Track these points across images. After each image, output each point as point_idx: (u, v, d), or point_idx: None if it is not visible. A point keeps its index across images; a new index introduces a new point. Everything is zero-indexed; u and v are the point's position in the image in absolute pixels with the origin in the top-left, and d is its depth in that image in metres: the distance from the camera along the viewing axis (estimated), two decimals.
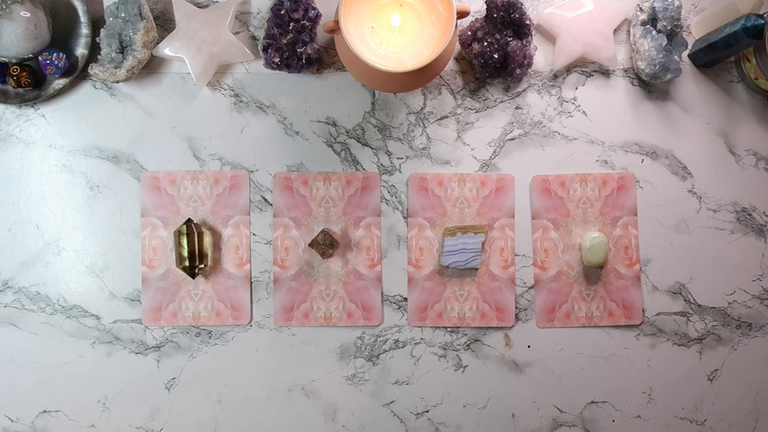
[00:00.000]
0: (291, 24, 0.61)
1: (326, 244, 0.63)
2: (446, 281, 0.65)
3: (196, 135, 0.65)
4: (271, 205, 0.65)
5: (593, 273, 0.65)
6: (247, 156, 0.65)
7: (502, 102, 0.66)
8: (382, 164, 0.65)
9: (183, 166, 0.65)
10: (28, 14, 0.60)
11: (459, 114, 0.65)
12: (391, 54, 0.55)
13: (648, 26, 0.63)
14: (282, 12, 0.61)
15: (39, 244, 0.65)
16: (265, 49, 0.62)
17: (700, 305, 0.65)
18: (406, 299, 0.65)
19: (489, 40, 0.62)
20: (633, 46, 0.64)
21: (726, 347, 0.65)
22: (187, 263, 0.61)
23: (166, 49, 0.62)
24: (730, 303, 0.65)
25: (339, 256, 0.65)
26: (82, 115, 0.65)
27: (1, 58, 0.61)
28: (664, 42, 0.62)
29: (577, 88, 0.66)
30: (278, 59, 0.62)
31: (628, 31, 0.66)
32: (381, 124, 0.65)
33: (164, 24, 0.65)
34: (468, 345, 0.65)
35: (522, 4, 0.62)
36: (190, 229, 0.62)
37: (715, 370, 0.65)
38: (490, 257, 0.65)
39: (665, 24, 0.62)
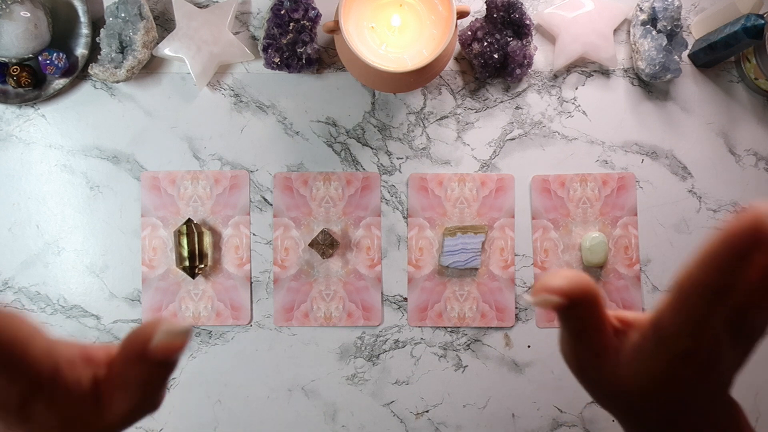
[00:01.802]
0: (291, 24, 0.61)
1: (326, 244, 0.63)
2: (446, 281, 0.65)
3: (196, 135, 0.65)
4: (271, 205, 0.65)
5: (593, 273, 0.65)
6: (247, 156, 0.65)
7: (502, 102, 0.66)
8: (382, 164, 0.65)
9: (183, 166, 0.65)
10: (28, 14, 0.60)
11: (459, 114, 0.65)
12: (391, 54, 0.55)
13: (648, 26, 0.63)
14: (282, 12, 0.61)
15: (39, 244, 0.65)
16: (265, 49, 0.62)
17: None
18: (406, 299, 0.65)
19: (489, 40, 0.62)
20: (633, 46, 0.64)
21: None
22: (187, 263, 0.61)
23: (166, 49, 0.62)
24: None
25: (339, 256, 0.65)
26: (82, 115, 0.65)
27: (1, 58, 0.61)
28: (664, 42, 0.62)
29: (577, 88, 0.66)
30: (278, 59, 0.62)
31: (628, 31, 0.66)
32: (381, 124, 0.65)
33: (164, 24, 0.65)
34: (468, 345, 0.65)
35: (522, 4, 0.62)
36: (190, 229, 0.62)
37: None
38: (490, 257, 0.65)
39: (665, 24, 0.62)
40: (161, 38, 0.64)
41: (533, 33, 0.65)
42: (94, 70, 0.62)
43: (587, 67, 0.66)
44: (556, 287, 0.32)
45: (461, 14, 0.54)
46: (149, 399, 0.31)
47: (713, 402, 0.34)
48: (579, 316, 0.34)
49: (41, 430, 0.29)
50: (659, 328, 0.32)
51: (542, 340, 0.65)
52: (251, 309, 0.65)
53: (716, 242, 0.28)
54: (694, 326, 0.31)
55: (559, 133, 0.65)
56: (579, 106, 0.66)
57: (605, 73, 0.66)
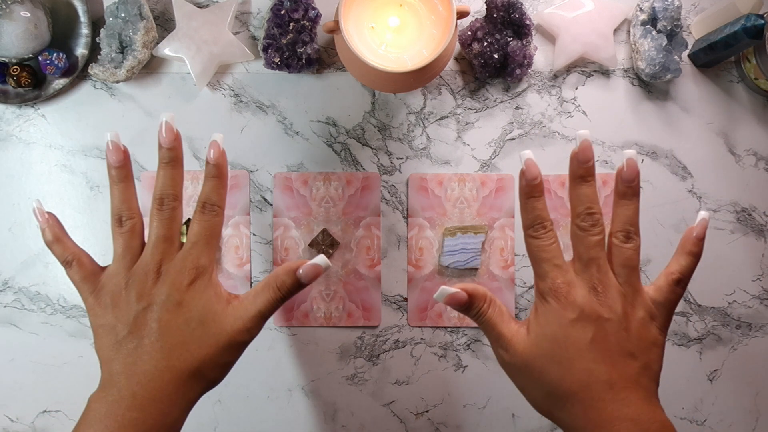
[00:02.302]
0: (291, 24, 0.61)
1: (326, 244, 0.63)
2: (446, 281, 0.65)
3: (196, 135, 0.65)
4: (271, 205, 0.65)
5: None
6: (247, 156, 0.65)
7: (502, 102, 0.66)
8: (382, 164, 0.65)
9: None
10: (28, 14, 0.60)
11: (459, 114, 0.65)
12: (391, 54, 0.55)
13: (648, 26, 0.63)
14: (282, 12, 0.61)
15: (39, 244, 0.65)
16: (265, 49, 0.62)
17: (700, 305, 0.65)
18: (406, 299, 0.65)
19: (489, 40, 0.62)
20: (633, 46, 0.64)
21: (726, 347, 0.65)
22: None
23: (166, 49, 0.62)
24: (730, 303, 0.65)
25: (339, 256, 0.65)
26: (82, 115, 0.65)
27: (1, 58, 0.61)
28: (664, 42, 0.62)
29: (577, 88, 0.66)
30: (278, 59, 0.62)
31: (628, 31, 0.66)
32: (381, 124, 0.65)
33: (164, 24, 0.65)
34: (468, 345, 0.65)
35: (522, 4, 0.62)
36: None
37: (715, 370, 0.65)
38: (490, 257, 0.65)
39: (665, 24, 0.62)
40: (161, 38, 0.64)
41: (533, 33, 0.65)
42: (94, 70, 0.62)
43: (587, 67, 0.66)
44: (455, 288, 0.44)
45: (461, 14, 0.54)
46: (274, 307, 0.46)
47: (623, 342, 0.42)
48: (479, 311, 0.45)
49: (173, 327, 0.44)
50: (538, 294, 0.44)
51: None
52: None
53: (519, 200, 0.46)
54: (539, 261, 0.44)
55: (559, 133, 0.65)
56: (579, 106, 0.66)
57: (605, 73, 0.66)
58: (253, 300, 0.46)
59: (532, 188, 0.45)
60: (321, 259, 0.46)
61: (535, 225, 0.45)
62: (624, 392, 0.41)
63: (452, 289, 0.44)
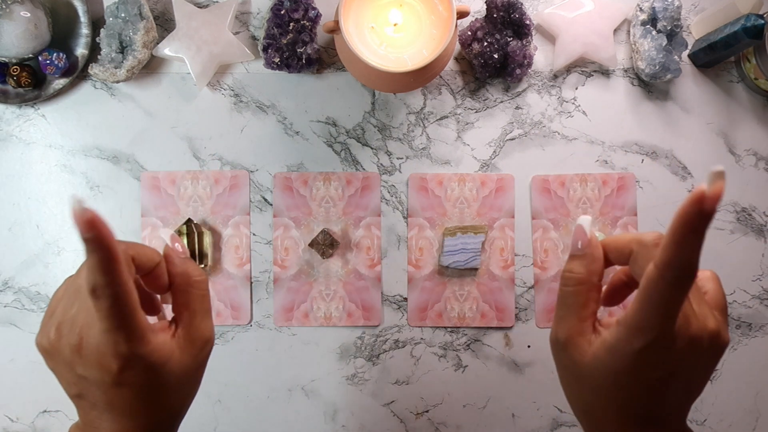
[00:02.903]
0: (291, 24, 0.61)
1: (326, 244, 0.63)
2: (446, 281, 0.65)
3: (196, 135, 0.65)
4: (271, 205, 0.65)
5: None
6: (247, 156, 0.65)
7: (502, 102, 0.66)
8: (382, 164, 0.65)
9: (183, 166, 0.65)
10: (28, 14, 0.60)
11: (459, 114, 0.65)
12: (391, 54, 0.55)
13: (648, 26, 0.63)
14: (282, 12, 0.61)
15: (39, 244, 0.65)
16: (265, 49, 0.62)
17: None
18: (406, 299, 0.65)
19: (489, 40, 0.62)
20: (633, 46, 0.64)
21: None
22: None
23: (166, 49, 0.62)
24: (730, 303, 0.65)
25: (339, 256, 0.65)
26: (82, 115, 0.65)
27: (1, 58, 0.61)
28: (664, 42, 0.62)
29: (577, 88, 0.66)
30: (278, 59, 0.62)
31: (628, 31, 0.66)
32: (381, 124, 0.65)
33: (164, 24, 0.65)
34: (468, 345, 0.65)
35: (522, 4, 0.62)
36: (190, 229, 0.62)
37: (715, 370, 0.65)
38: (490, 257, 0.65)
39: (665, 24, 0.62)
40: (161, 38, 0.64)
41: (533, 33, 0.65)
42: (94, 70, 0.62)
43: (587, 67, 0.66)
44: (594, 235, 0.41)
45: (461, 14, 0.54)
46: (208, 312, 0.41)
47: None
48: (576, 272, 0.40)
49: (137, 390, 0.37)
50: (625, 322, 0.36)
51: (542, 340, 0.65)
52: (251, 309, 0.65)
53: (671, 224, 0.33)
54: (659, 315, 0.35)
55: (559, 133, 0.65)
56: (579, 106, 0.66)
57: (605, 73, 0.66)
58: (192, 315, 0.40)
59: (703, 219, 0.32)
60: (165, 232, 0.40)
61: (680, 268, 0.32)
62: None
63: (590, 233, 0.39)
